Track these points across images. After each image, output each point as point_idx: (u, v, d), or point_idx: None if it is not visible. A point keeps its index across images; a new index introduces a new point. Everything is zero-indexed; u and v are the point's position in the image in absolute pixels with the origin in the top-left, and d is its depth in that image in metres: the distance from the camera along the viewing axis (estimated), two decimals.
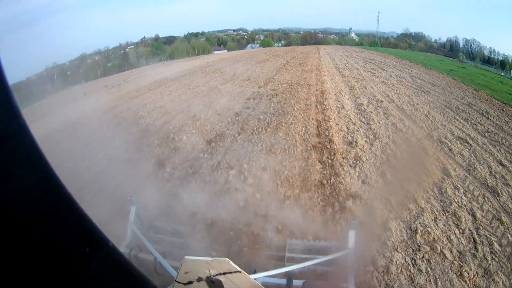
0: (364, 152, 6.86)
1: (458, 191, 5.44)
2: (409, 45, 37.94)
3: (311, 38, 35.70)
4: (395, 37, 39.29)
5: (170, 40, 30.26)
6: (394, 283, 3.61)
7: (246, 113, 9.26)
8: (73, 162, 6.87)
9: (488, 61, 32.45)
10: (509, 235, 4.40)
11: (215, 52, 30.93)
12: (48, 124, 10.51)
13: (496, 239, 4.32)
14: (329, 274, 2.86)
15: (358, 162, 6.35)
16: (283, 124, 8.27)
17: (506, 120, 9.84)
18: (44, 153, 0.72)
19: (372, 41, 38.28)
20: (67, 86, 21.42)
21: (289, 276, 2.54)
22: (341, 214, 4.68)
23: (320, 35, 36.86)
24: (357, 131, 8.02)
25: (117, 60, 26.88)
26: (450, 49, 35.60)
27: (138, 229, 3.16)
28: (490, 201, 5.20)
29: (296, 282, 2.52)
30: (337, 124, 8.44)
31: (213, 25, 33.61)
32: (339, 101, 10.66)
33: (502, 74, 28.75)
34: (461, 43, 35.12)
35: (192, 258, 1.19)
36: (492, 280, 3.68)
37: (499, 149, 7.35)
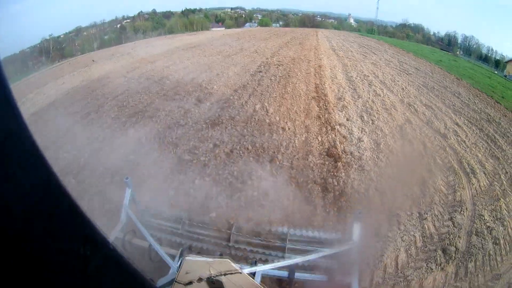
0: (349, 104, 10.42)
1: (415, 131, 9.04)
2: (407, 35, 40.52)
3: (309, 21, 38.19)
4: (393, 26, 41.80)
5: (167, 15, 32.32)
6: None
7: (259, 75, 12.76)
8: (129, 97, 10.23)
9: (485, 59, 34.94)
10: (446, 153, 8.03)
11: (213, 29, 33.32)
12: (82, 78, 13.75)
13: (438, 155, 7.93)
14: (332, 268, 2.87)
15: (344, 109, 9.91)
16: (290, 83, 11.82)
17: (476, 101, 13.56)
18: (44, 153, 0.77)
19: (370, 29, 40.84)
20: (64, 58, 23.42)
21: (290, 268, 2.70)
22: (331, 130, 8.20)
23: (318, 18, 39.31)
24: (346, 92, 11.60)
25: (115, 33, 28.84)
26: (448, 43, 38.06)
27: (133, 213, 3.27)
28: (439, 140, 8.80)
29: (297, 275, 2.69)
30: (330, 87, 12.00)
31: (210, 1, 34.87)
32: (333, 73, 14.24)
33: (495, 72, 31.42)
34: (460, 39, 37.52)
35: (192, 258, 1.37)
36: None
37: (459, 117, 11.01)
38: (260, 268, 2.43)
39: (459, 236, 5.24)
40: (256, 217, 4.62)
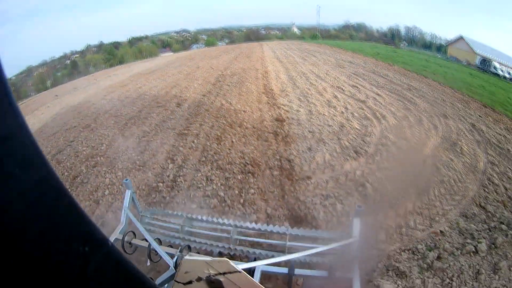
0: (290, 93, 15.47)
1: (339, 102, 14.16)
2: (350, 35, 44.15)
3: (254, 35, 42.55)
4: (336, 28, 45.32)
5: (114, 45, 35.57)
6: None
7: (219, 84, 17.64)
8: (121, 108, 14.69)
9: (429, 46, 38.84)
10: (363, 110, 13.24)
11: (162, 55, 37.12)
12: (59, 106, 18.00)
13: (356, 112, 13.13)
14: (332, 264, 3.01)
15: (286, 96, 14.92)
16: (244, 86, 16.82)
17: (402, 78, 19.51)
18: (43, 153, 0.84)
19: (314, 34, 44.50)
20: (20, 99, 25.31)
21: (290, 265, 2.96)
22: (277, 108, 13.09)
23: (262, 31, 43.72)
24: (287, 86, 16.69)
25: (67, 69, 31.75)
26: (391, 37, 41.66)
27: (133, 214, 3.70)
28: (359, 104, 13.91)
29: (298, 271, 2.95)
30: (275, 84, 17.09)
31: (155, 28, 37.15)
32: (277, 75, 19.41)
33: (438, 56, 36.46)
34: (403, 31, 40.89)
35: (191, 258, 1.49)
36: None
37: (381, 90, 16.41)
38: (260, 264, 2.69)
39: (368, 146, 10.06)
40: (236, 150, 9.40)
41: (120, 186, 8.12)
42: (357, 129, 11.36)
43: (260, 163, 8.68)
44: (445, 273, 5.57)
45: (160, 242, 3.69)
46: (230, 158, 8.95)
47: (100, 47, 35.39)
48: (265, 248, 3.75)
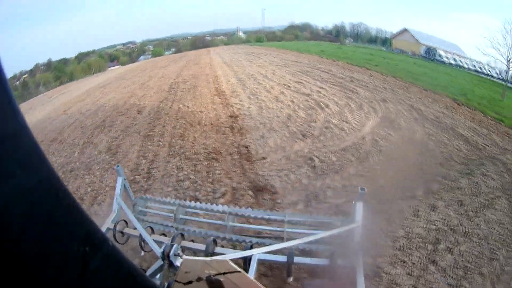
0: (240, 93, 17.15)
1: (286, 97, 15.98)
2: (295, 36, 46.02)
3: (200, 42, 43.70)
4: (281, 30, 47.54)
5: (63, 62, 35.78)
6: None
7: (173, 90, 19.03)
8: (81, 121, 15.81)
9: (375, 40, 41.40)
10: (308, 102, 15.14)
11: (110, 68, 37.42)
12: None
13: (302, 104, 15.01)
14: (334, 252, 2.88)
15: (237, 96, 16.60)
16: (197, 90, 18.34)
17: (344, 72, 21.89)
18: (44, 153, 0.85)
19: (259, 37, 46.18)
20: None
21: (289, 253, 2.85)
22: (230, 107, 14.75)
23: (208, 38, 45.03)
24: (237, 87, 18.38)
25: (17, 90, 31.78)
26: (336, 34, 43.90)
27: (124, 201, 3.62)
28: (304, 97, 15.84)
29: (297, 259, 2.84)
30: (226, 87, 18.73)
31: (102, 41, 37.99)
32: (226, 79, 21.07)
33: (384, 49, 39.15)
34: (348, 28, 43.55)
35: (191, 258, 1.56)
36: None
37: (324, 84, 18.53)
38: (256, 252, 2.63)
39: (314, 130, 11.83)
40: (199, 143, 10.97)
41: (101, 183, 9.35)
42: (303, 117, 13.22)
43: (222, 151, 10.26)
44: (387, 214, 7.44)
45: (152, 230, 3.51)
46: (194, 149, 10.47)
47: (49, 65, 35.60)
48: (262, 235, 3.70)
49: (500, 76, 27.20)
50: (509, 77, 27.19)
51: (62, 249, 0.84)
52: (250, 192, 8.03)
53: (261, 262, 2.85)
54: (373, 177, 9.09)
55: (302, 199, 7.88)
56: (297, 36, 46.04)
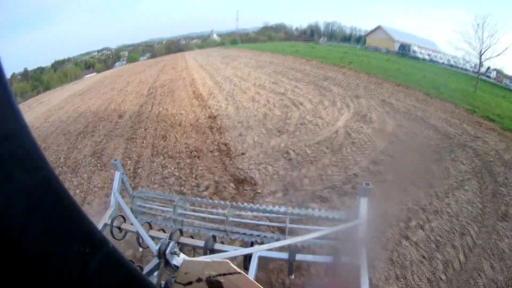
0: (217, 95, 17.86)
1: (261, 97, 16.76)
2: (269, 37, 46.58)
3: (174, 46, 44.09)
4: (255, 32, 48.18)
5: (40, 71, 35.56)
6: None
7: (152, 95, 19.62)
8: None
9: (349, 38, 42.42)
10: (283, 101, 15.94)
11: (86, 76, 37.30)
12: None
13: (277, 103, 15.80)
14: (338, 249, 2.79)
15: (214, 98, 17.30)
16: (175, 94, 18.97)
17: (318, 71, 22.98)
18: (44, 153, 0.84)
19: (233, 39, 46.72)
20: None
21: (291, 250, 2.77)
22: (209, 108, 15.45)
23: (182, 41, 45.38)
24: (214, 90, 19.09)
25: None
26: (311, 34, 44.82)
27: (122, 197, 3.52)
28: (280, 97, 16.64)
29: (299, 257, 2.74)
30: (203, 89, 19.41)
31: (77, 49, 37.89)
32: (203, 82, 21.76)
33: (358, 47, 39.87)
34: (322, 27, 44.39)
35: (191, 259, 1.57)
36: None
37: (299, 83, 19.47)
38: (257, 250, 2.55)
39: (289, 126, 12.64)
40: (180, 143, 11.63)
41: (89, 184, 9.88)
42: (279, 115, 14.01)
43: (203, 149, 10.94)
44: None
45: (150, 226, 3.51)
46: (177, 149, 11.12)
47: (25, 74, 35.43)
48: (264, 231, 3.53)
49: (474, 70, 28.14)
50: (481, 70, 28.55)
51: (62, 249, 0.85)
52: (232, 185, 8.72)
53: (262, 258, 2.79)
54: (346, 166, 9.91)
55: (280, 188, 8.63)
56: (271, 37, 46.30)
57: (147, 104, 17.51)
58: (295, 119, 13.56)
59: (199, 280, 1.39)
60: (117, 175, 3.72)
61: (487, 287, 6.21)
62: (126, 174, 9.56)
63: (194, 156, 10.46)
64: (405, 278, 6.11)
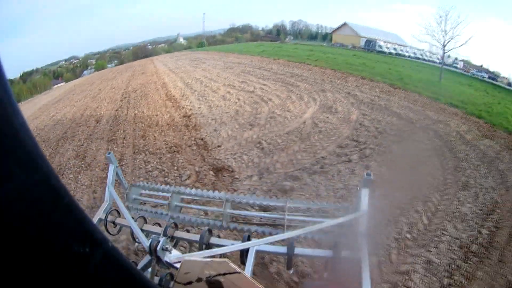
0: (189, 96, 18.72)
1: (232, 96, 17.70)
2: (236, 38, 46.07)
3: (142, 52, 43.54)
4: (222, 33, 47.19)
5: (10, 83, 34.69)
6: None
7: (126, 100, 20.28)
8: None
9: (315, 37, 42.24)
10: (253, 98, 16.94)
11: (56, 86, 36.87)
12: None
13: (248, 101, 16.79)
14: (338, 242, 2.72)
15: (187, 99, 18.14)
16: (148, 97, 19.73)
17: (285, 69, 24.18)
18: (43, 152, 0.84)
19: (200, 42, 46.14)
20: None
21: (289, 243, 2.69)
22: (182, 109, 16.30)
23: (149, 47, 45.01)
24: (186, 91, 19.93)
25: None
26: (277, 33, 44.31)
27: (121, 190, 3.59)
28: (249, 95, 17.64)
29: (298, 251, 2.68)
30: (175, 92, 20.22)
31: (44, 59, 37.00)
32: (174, 84, 22.55)
33: (324, 44, 39.77)
34: (288, 26, 44.02)
35: (191, 259, 1.51)
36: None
37: (267, 81, 20.53)
38: (255, 244, 2.51)
39: (259, 120, 13.65)
40: (159, 140, 12.47)
41: (76, 183, 10.55)
42: (249, 111, 15.03)
43: (181, 145, 11.84)
44: (328, 174, 9.47)
45: (145, 220, 3.39)
46: (157, 146, 11.97)
47: None
48: (261, 224, 3.47)
49: (441, 61, 28.84)
50: (448, 61, 30.01)
51: (62, 248, 0.84)
52: (211, 173, 9.69)
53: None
54: (314, 151, 11.06)
55: (256, 173, 9.66)
56: (238, 38, 46.10)
57: (123, 108, 18.19)
58: (265, 114, 14.62)
59: (199, 280, 1.40)
60: (111, 168, 3.69)
61: (452, 244, 7.31)
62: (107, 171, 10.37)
63: (174, 151, 11.32)
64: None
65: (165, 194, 3.77)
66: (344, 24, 38.46)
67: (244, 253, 2.63)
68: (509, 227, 8.70)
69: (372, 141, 12.10)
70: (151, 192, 3.96)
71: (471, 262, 7.12)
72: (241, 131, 12.80)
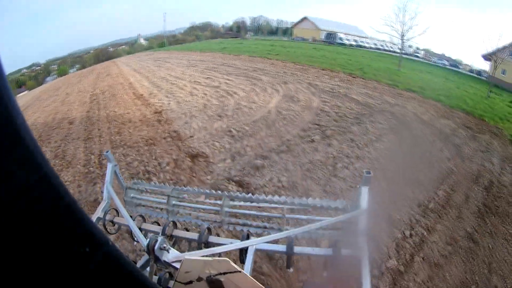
0: (157, 94, 19.48)
1: (198, 91, 18.58)
2: (196, 37, 47.36)
3: (103, 55, 43.56)
4: (182, 32, 48.50)
5: None
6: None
7: (95, 101, 20.78)
8: None
9: (276, 31, 43.88)
10: (219, 92, 17.88)
11: (19, 95, 35.85)
12: None
13: (209, 93, 17.73)
14: (338, 241, 2.64)
15: (155, 97, 18.91)
16: (117, 97, 20.33)
17: (247, 64, 25.23)
18: (43, 152, 0.84)
19: (161, 42, 46.97)
20: None
21: (289, 242, 2.66)
22: (152, 106, 17.09)
23: (110, 49, 44.96)
24: (153, 90, 20.65)
25: None
26: (237, 30, 45.85)
27: (115, 189, 3.39)
28: (215, 89, 18.58)
29: (297, 249, 2.64)
30: (143, 91, 20.88)
31: (5, 68, 37.13)
32: (140, 84, 23.18)
33: (285, 39, 41.42)
34: (248, 22, 45.25)
35: (192, 258, 1.50)
36: None
37: (230, 76, 21.67)
38: (254, 243, 2.49)
39: (227, 111, 14.72)
40: (135, 135, 13.28)
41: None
42: (217, 104, 16.06)
43: (156, 138, 12.70)
44: (293, 152, 10.84)
45: (144, 219, 3.36)
46: (133, 140, 12.76)
47: None
48: (260, 222, 3.37)
49: (402, 51, 30.60)
50: (410, 51, 31.67)
51: (61, 248, 0.83)
52: (188, 159, 10.67)
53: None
54: (280, 135, 12.29)
55: (228, 156, 10.75)
56: (198, 36, 46.91)
57: (94, 109, 18.73)
58: (231, 106, 15.67)
59: (199, 279, 1.40)
60: (110, 166, 3.58)
61: (411, 203, 8.93)
62: (93, 167, 11.22)
63: (151, 144, 12.18)
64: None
65: (163, 191, 3.69)
66: (305, 18, 39.91)
67: (243, 252, 2.56)
68: (464, 189, 10.28)
69: (332, 124, 13.47)
70: (150, 190, 3.85)
71: (430, 218, 8.54)
72: (211, 122, 13.77)
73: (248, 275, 1.42)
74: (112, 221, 3.23)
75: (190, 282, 1.41)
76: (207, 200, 3.49)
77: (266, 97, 17.09)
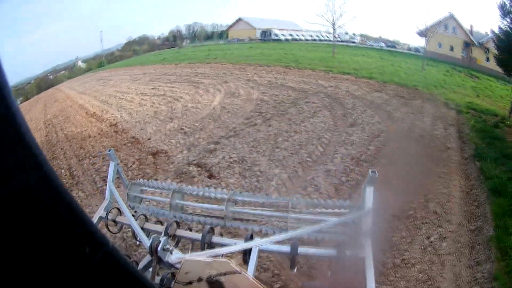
0: (109, 110, 20.77)
1: (146, 102, 20.14)
2: (134, 51, 45.85)
3: (44, 83, 41.74)
4: (119, 49, 46.50)
5: None
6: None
7: (51, 125, 21.68)
8: None
9: (211, 36, 43.38)
10: (167, 99, 19.50)
11: None
12: None
13: (163, 103, 19.36)
14: (342, 241, 2.68)
15: (107, 112, 20.22)
16: (72, 119, 21.40)
17: (188, 70, 27.11)
18: (43, 152, 0.86)
19: (100, 62, 45.16)
20: None
21: (293, 243, 2.64)
22: (107, 120, 18.40)
23: (50, 77, 43.09)
24: (104, 107, 21.86)
25: None
26: (173, 40, 44.82)
27: (117, 188, 3.41)
28: (163, 98, 20.16)
29: (301, 250, 2.62)
30: (94, 109, 22.06)
31: None
32: (91, 104, 24.15)
33: (221, 42, 41.67)
34: (184, 30, 44.50)
35: (192, 259, 1.53)
36: None
37: (174, 84, 23.22)
38: (257, 243, 2.45)
39: (177, 114, 16.48)
40: (98, 146, 14.74)
41: None
42: (166, 109, 17.86)
43: (118, 145, 14.22)
44: (239, 135, 13.04)
45: (146, 218, 3.27)
46: (97, 151, 14.20)
47: None
48: (264, 222, 3.30)
49: (338, 39, 32.68)
50: (346, 37, 33.68)
51: (61, 249, 0.84)
52: (150, 157, 12.43)
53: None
54: (226, 126, 14.38)
55: (184, 148, 12.65)
56: (136, 51, 46.10)
57: (51, 133, 19.64)
58: (180, 109, 17.57)
59: (199, 279, 1.39)
60: (112, 165, 3.57)
61: (344, 158, 11.12)
62: (65, 179, 12.76)
63: (114, 150, 13.71)
64: (284, 167, 10.57)
65: (166, 191, 3.67)
66: (239, 20, 39.90)
67: (247, 252, 2.49)
68: (395, 143, 12.56)
69: (271, 109, 15.84)
70: (152, 190, 3.92)
71: (362, 166, 10.71)
72: (164, 125, 15.55)
73: (249, 275, 1.45)
74: (114, 220, 3.26)
75: (190, 282, 1.43)
76: (211, 198, 3.49)
77: (210, 96, 19.05)
